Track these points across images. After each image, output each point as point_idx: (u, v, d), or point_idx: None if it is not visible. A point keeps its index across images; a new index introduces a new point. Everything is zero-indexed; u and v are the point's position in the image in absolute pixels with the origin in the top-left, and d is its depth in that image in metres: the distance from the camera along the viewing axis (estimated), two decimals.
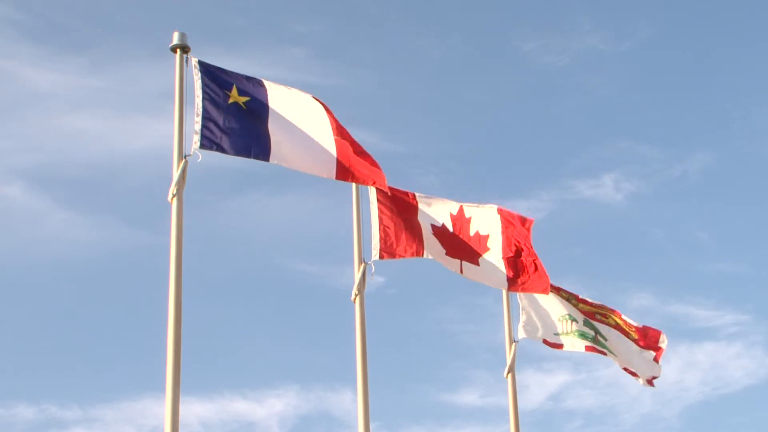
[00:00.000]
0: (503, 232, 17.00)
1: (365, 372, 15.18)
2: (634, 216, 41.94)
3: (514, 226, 17.06)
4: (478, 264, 17.02)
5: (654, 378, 19.45)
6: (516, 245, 16.98)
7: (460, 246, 16.96)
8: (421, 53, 43.59)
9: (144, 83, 37.20)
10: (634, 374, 19.47)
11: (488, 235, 17.05)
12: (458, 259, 16.95)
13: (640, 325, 19.41)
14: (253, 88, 14.03)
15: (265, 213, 39.60)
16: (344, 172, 14.15)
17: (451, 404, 35.64)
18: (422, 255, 16.56)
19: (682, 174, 41.60)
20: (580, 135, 43.15)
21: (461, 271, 17.08)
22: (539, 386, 36.84)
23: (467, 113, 43.22)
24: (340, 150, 14.18)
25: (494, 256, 17.04)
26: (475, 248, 17.03)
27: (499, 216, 17.15)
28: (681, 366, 38.06)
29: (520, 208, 39.80)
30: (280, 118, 14.02)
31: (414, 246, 16.53)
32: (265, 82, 14.16)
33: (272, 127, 13.93)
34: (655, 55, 43.66)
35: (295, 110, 14.16)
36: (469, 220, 17.07)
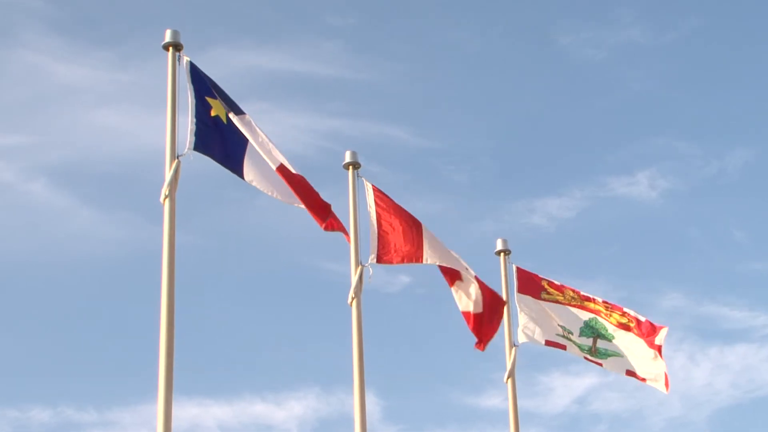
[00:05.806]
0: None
1: (362, 376, 15.01)
2: (669, 214, 41.15)
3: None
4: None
5: (659, 378, 18.83)
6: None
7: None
8: (456, 47, 42.91)
9: None
10: (641, 379, 18.94)
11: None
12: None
13: (643, 319, 18.89)
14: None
15: (296, 210, 39.20)
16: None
17: (475, 407, 35.15)
18: (421, 261, 16.42)
19: (720, 171, 40.72)
20: (616, 131, 42.33)
21: (467, 267, 17.06)
22: (565, 389, 36.36)
23: (501, 108, 42.58)
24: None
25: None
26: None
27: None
28: (711, 368, 37.55)
29: (552, 206, 39.55)
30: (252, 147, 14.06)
31: (413, 251, 16.36)
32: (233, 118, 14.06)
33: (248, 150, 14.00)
34: (695, 50, 42.88)
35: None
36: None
